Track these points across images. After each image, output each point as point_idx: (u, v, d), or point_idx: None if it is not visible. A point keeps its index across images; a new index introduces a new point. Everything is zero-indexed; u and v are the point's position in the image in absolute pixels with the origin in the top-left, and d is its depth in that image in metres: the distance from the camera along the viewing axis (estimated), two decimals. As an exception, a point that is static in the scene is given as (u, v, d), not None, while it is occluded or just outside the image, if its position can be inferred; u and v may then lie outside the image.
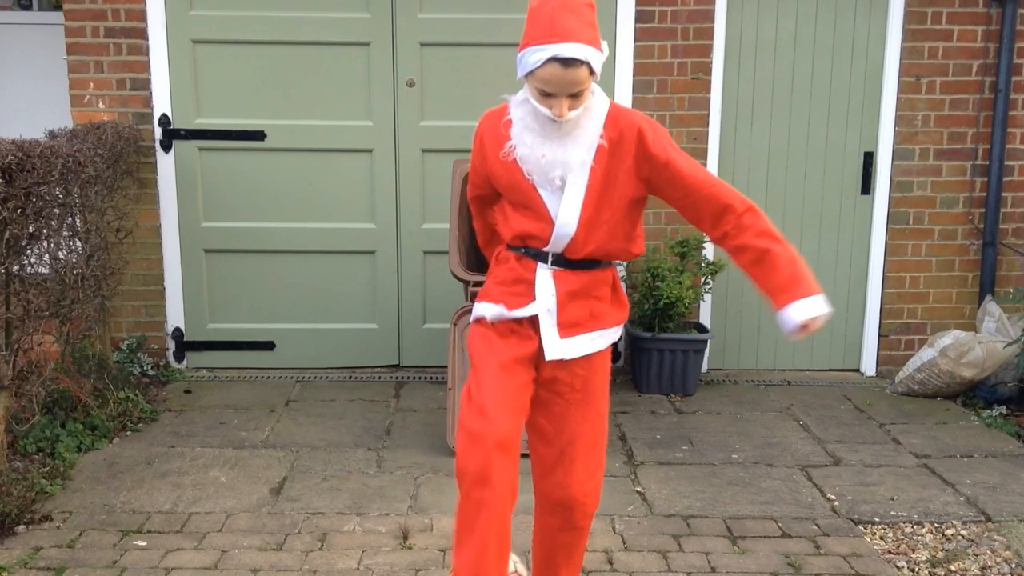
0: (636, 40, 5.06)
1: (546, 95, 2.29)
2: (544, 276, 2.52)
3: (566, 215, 2.44)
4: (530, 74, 2.29)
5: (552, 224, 2.46)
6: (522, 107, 2.40)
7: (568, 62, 2.24)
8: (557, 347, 2.53)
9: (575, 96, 2.30)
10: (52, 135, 4.27)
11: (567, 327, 2.53)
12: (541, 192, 2.44)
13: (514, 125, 2.42)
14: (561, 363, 2.55)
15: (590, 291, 2.55)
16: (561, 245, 2.48)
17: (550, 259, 2.52)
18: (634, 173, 2.43)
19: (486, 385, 2.43)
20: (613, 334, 2.63)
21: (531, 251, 2.53)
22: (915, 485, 3.94)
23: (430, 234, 5.23)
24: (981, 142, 5.20)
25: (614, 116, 2.42)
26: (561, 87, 2.27)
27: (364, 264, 5.30)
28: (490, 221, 2.77)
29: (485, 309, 2.58)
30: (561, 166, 2.40)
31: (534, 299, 2.52)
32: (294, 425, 4.54)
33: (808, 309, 2.36)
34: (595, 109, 2.40)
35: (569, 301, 2.52)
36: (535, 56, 2.27)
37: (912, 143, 5.22)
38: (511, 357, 2.50)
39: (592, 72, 2.29)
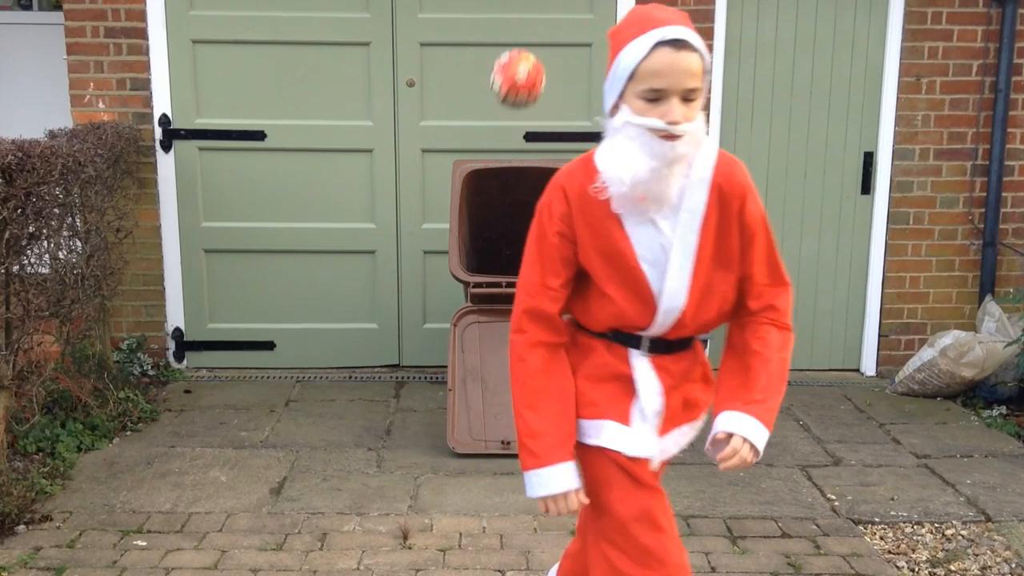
0: (636, 40, 5.05)
1: (652, 101, 1.87)
2: (643, 369, 2.11)
3: (674, 284, 2.02)
4: (632, 79, 1.88)
5: (655, 306, 2.04)
6: (618, 138, 1.93)
7: (678, 43, 1.87)
8: (659, 452, 2.15)
9: (688, 101, 1.89)
10: (52, 135, 4.27)
11: (666, 424, 2.15)
12: (643, 266, 2.02)
13: (606, 170, 1.95)
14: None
15: (688, 375, 2.17)
16: (663, 327, 2.08)
17: (644, 344, 2.11)
18: (737, 230, 2.05)
19: (647, 537, 2.07)
20: (700, 424, 2.26)
21: (622, 336, 2.11)
22: (915, 485, 3.95)
23: (430, 234, 5.23)
24: (981, 142, 5.20)
25: (725, 161, 2.03)
26: (673, 78, 1.86)
27: (364, 264, 5.30)
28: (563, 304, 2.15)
29: (600, 433, 2.11)
30: (663, 203, 1.97)
31: (633, 398, 2.11)
32: (294, 425, 4.54)
33: (736, 423, 2.04)
34: (705, 147, 2.00)
35: (671, 393, 2.13)
36: (635, 49, 1.88)
37: (912, 143, 5.22)
38: (647, 473, 2.12)
39: (704, 71, 1.92)
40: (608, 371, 2.12)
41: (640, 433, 2.10)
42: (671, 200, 1.98)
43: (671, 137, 1.88)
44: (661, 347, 2.11)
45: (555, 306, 2.08)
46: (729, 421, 2.05)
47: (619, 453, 2.09)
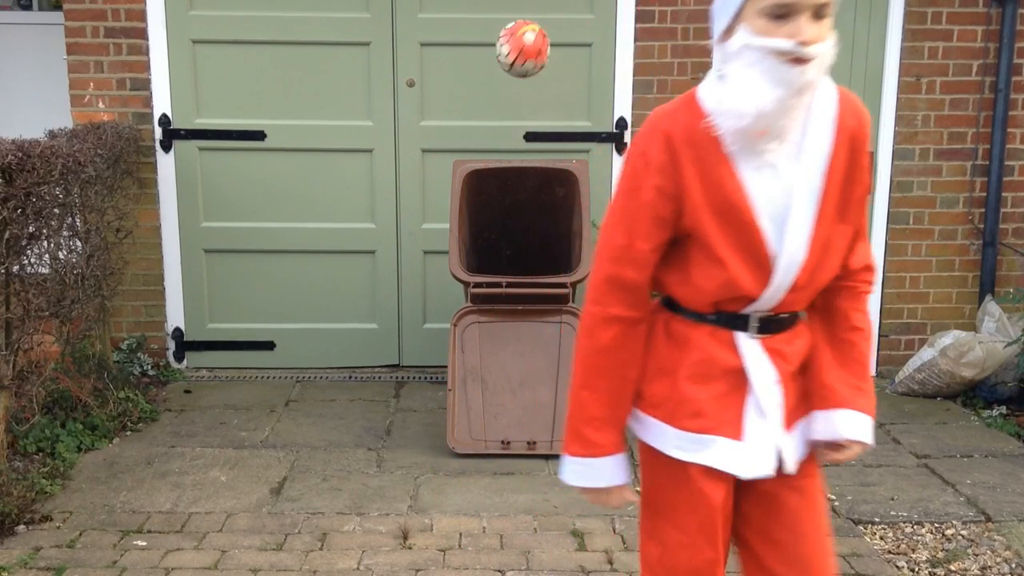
0: (636, 40, 5.06)
1: (779, 18, 1.60)
2: (755, 355, 1.80)
3: (795, 241, 1.73)
4: None
5: (770, 270, 1.74)
6: (734, 65, 1.66)
7: None
8: (791, 451, 1.84)
9: (819, 18, 1.61)
10: (52, 135, 4.27)
11: (789, 417, 1.85)
12: (762, 220, 1.72)
13: (720, 103, 1.68)
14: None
15: (803, 358, 1.87)
16: (775, 298, 1.78)
17: (753, 324, 1.81)
18: (858, 174, 1.80)
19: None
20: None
21: (726, 317, 1.80)
22: (915, 485, 3.94)
23: (430, 234, 5.23)
24: (981, 142, 5.20)
25: (846, 95, 1.78)
26: None
27: (364, 264, 5.30)
28: (650, 281, 1.83)
29: (706, 450, 1.81)
30: (784, 140, 1.69)
31: (746, 396, 1.80)
32: (294, 425, 4.54)
33: (860, 428, 1.86)
34: (825, 83, 1.74)
35: (789, 382, 1.84)
36: None
37: (912, 143, 5.22)
38: (721, 507, 1.86)
39: None
40: (714, 367, 1.80)
41: (756, 446, 1.80)
42: (793, 138, 1.70)
43: (800, 61, 1.60)
44: (772, 326, 1.81)
45: (641, 274, 1.78)
46: (852, 426, 1.84)
47: (714, 483, 1.82)
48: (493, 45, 5.01)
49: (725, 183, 1.71)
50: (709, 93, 1.71)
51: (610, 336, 1.80)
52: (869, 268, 1.91)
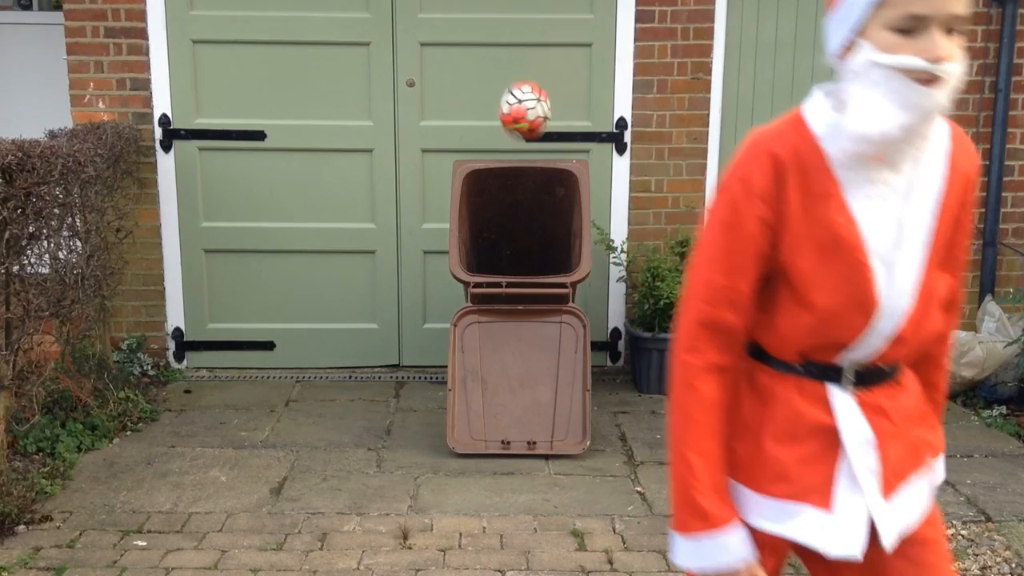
0: (636, 40, 5.06)
1: (908, 32, 1.42)
2: (849, 411, 1.60)
3: (903, 282, 1.55)
4: (881, 4, 1.42)
5: (871, 314, 1.55)
6: (856, 85, 1.47)
7: None
8: (889, 524, 1.61)
9: (951, 32, 1.44)
10: (52, 135, 4.27)
11: (889, 482, 1.63)
12: (871, 259, 1.53)
13: (837, 126, 1.50)
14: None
15: (908, 413, 1.68)
16: (874, 348, 1.59)
17: (847, 376, 1.61)
18: (966, 217, 1.65)
19: None
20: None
21: (816, 368, 1.62)
22: (915, 485, 3.94)
23: (430, 234, 5.23)
24: (981, 142, 5.20)
25: (960, 134, 1.64)
26: (938, 4, 1.41)
27: (364, 264, 5.30)
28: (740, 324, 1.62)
29: (790, 521, 1.62)
30: (898, 171, 1.52)
31: (838, 458, 1.60)
32: (294, 425, 4.54)
33: (942, 472, 1.78)
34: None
35: (889, 442, 1.63)
36: None
37: (912, 143, 5.21)
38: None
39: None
40: (802, 425, 1.60)
41: (846, 520, 1.60)
42: (905, 170, 1.53)
43: (931, 81, 1.42)
44: (870, 378, 1.61)
45: (742, 317, 1.59)
46: (941, 467, 1.76)
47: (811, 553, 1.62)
48: (493, 45, 5.05)
49: (833, 215, 1.52)
50: (818, 113, 1.54)
51: (713, 388, 1.60)
52: (956, 305, 1.75)
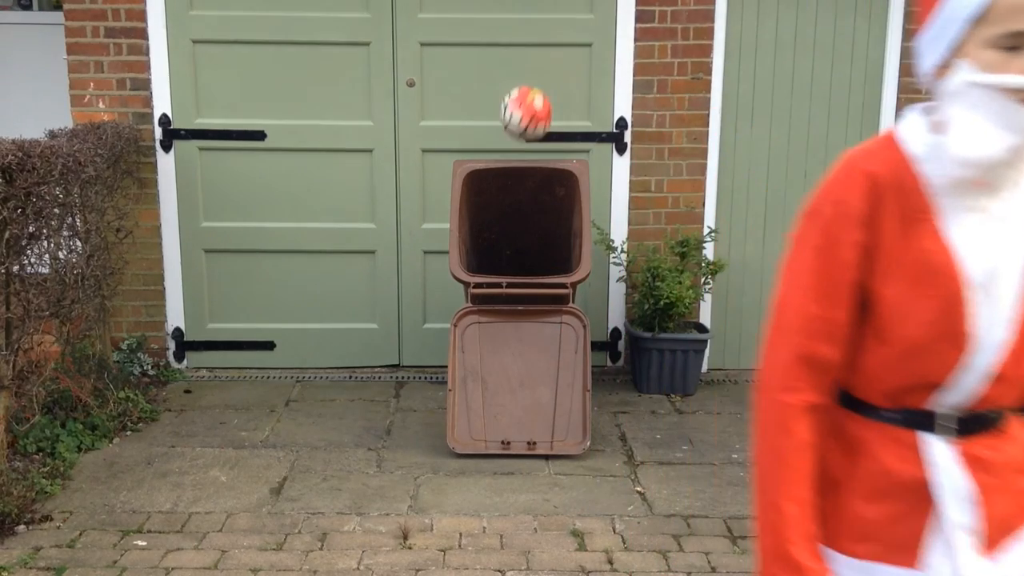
0: (636, 40, 5.06)
1: (1012, 50, 1.34)
2: (946, 463, 1.47)
3: (999, 315, 1.43)
4: (980, 20, 1.35)
5: (963, 350, 1.44)
6: (956, 106, 1.39)
7: None
8: None
9: None
10: (52, 135, 4.27)
11: (994, 538, 1.49)
12: (967, 291, 1.42)
13: (932, 149, 1.43)
14: None
15: (1014, 462, 1.52)
16: (971, 389, 1.46)
17: (944, 424, 1.48)
18: None
19: None
20: None
21: (908, 414, 1.49)
22: (915, 485, 3.94)
23: (430, 234, 5.23)
24: (981, 142, 5.20)
25: None
26: None
27: (364, 264, 5.30)
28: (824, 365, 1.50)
29: (850, 573, 1.52)
30: (996, 196, 1.42)
31: (928, 516, 1.48)
32: (294, 425, 4.54)
33: None
34: None
35: (993, 496, 1.48)
36: None
37: (912, 143, 5.21)
38: None
39: None
40: (891, 480, 1.48)
41: None
42: (1006, 195, 1.43)
43: None
44: (971, 425, 1.47)
45: (839, 352, 1.48)
46: None
47: None
48: (493, 45, 5.05)
49: (926, 242, 1.43)
50: (915, 134, 1.45)
51: (809, 430, 1.48)
52: None
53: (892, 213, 1.43)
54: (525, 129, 4.04)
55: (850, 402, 1.53)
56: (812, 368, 1.48)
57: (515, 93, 4.07)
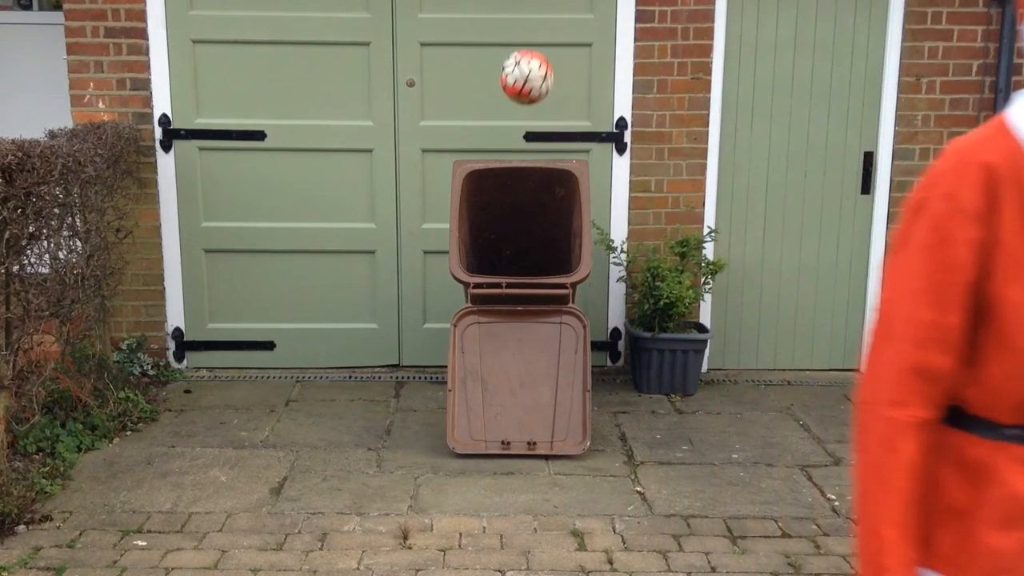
0: (636, 40, 5.06)
1: None
2: None
3: None
4: None
5: None
6: None
7: None
8: None
9: None
10: (52, 135, 4.27)
11: None
12: None
13: None
14: None
15: None
16: None
17: None
18: None
19: None
20: None
21: None
22: (915, 485, 3.94)
23: (430, 234, 5.23)
24: (981, 142, 5.20)
25: None
26: None
27: (364, 264, 5.30)
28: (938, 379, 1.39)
29: None
30: None
31: None
32: (294, 425, 4.54)
33: None
34: None
35: None
36: None
37: (912, 143, 5.22)
38: None
39: None
40: (1021, 508, 1.34)
41: None
42: None
43: None
44: None
45: (952, 360, 1.36)
46: None
47: None
48: (493, 45, 5.05)
49: None
50: None
51: (915, 447, 1.36)
52: None
53: (1012, 206, 1.30)
54: (546, 75, 4.02)
55: (964, 420, 1.40)
56: (923, 380, 1.36)
57: (515, 54, 4.05)
